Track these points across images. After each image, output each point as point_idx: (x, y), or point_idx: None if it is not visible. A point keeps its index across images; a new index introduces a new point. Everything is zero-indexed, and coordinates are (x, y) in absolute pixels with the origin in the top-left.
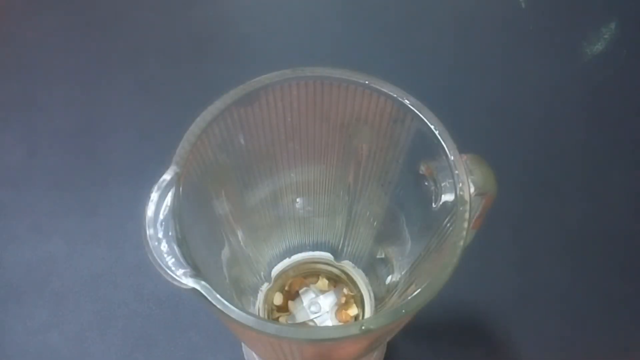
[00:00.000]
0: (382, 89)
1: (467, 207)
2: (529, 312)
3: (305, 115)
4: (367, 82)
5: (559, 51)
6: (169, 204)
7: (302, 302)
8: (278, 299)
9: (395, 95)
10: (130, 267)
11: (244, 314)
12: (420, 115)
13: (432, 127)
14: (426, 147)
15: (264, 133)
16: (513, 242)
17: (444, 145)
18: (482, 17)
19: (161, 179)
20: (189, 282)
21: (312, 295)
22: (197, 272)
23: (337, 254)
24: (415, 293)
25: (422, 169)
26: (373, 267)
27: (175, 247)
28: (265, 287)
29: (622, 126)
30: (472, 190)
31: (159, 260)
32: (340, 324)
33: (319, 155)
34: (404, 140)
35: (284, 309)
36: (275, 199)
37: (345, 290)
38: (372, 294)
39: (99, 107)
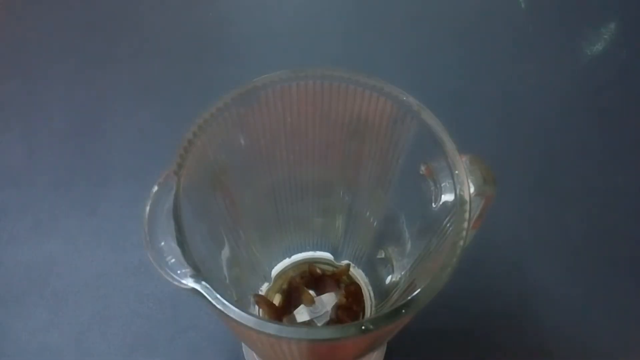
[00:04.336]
0: (382, 89)
1: (467, 207)
2: (529, 312)
3: (305, 115)
4: (367, 82)
5: (559, 51)
6: (169, 204)
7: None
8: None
9: (395, 95)
10: (131, 267)
11: (244, 314)
12: (420, 115)
13: (432, 127)
14: (426, 147)
15: (264, 133)
16: (513, 242)
17: (444, 146)
18: (482, 17)
19: (161, 179)
20: (189, 282)
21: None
22: (197, 272)
23: (337, 254)
24: (415, 293)
25: (422, 169)
26: (373, 267)
27: (175, 247)
28: (265, 287)
29: (622, 126)
30: (471, 190)
31: (159, 260)
32: (340, 324)
33: (319, 155)
34: (404, 140)
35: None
36: (275, 199)
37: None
38: (372, 294)
39: (99, 107)
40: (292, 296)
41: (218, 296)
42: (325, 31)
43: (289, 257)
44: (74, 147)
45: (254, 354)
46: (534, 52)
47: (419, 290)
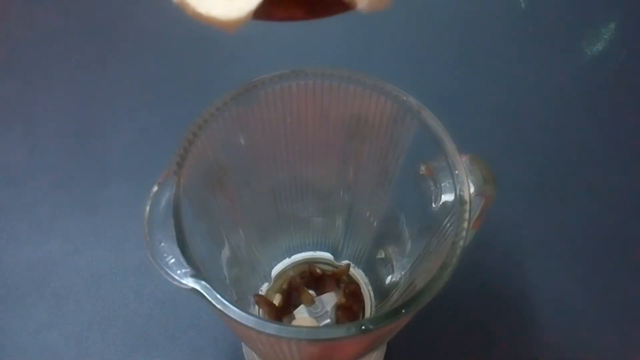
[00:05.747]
0: (383, 89)
1: (467, 207)
2: (529, 311)
3: (305, 115)
4: (367, 82)
5: (559, 51)
6: (169, 204)
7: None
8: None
9: (395, 95)
10: (131, 267)
11: (244, 314)
12: (420, 115)
13: (432, 127)
14: (426, 147)
15: (264, 133)
16: (513, 242)
17: (444, 146)
18: (482, 17)
19: (161, 179)
20: (189, 282)
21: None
22: (197, 272)
23: (337, 254)
24: (415, 293)
25: (422, 169)
26: (373, 267)
27: (175, 247)
28: (265, 287)
29: (622, 126)
30: (471, 190)
31: (159, 260)
32: (340, 324)
33: (319, 155)
34: (404, 140)
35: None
36: (275, 199)
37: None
38: (372, 294)
39: (99, 107)
40: (292, 296)
41: (218, 296)
42: (325, 31)
43: (289, 257)
44: (74, 147)
45: (254, 354)
46: (534, 52)
47: (418, 290)
